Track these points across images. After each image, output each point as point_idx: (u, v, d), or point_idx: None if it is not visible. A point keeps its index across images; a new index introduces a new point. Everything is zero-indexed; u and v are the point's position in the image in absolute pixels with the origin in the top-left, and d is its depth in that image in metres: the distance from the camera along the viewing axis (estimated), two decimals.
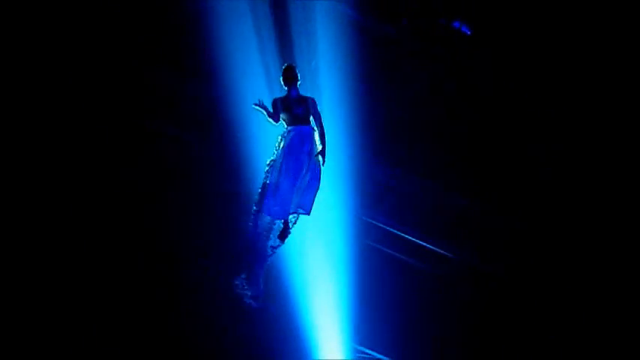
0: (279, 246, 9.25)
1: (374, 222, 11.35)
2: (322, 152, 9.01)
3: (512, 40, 11.22)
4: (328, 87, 10.93)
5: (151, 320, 10.68)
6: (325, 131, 9.02)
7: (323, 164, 9.02)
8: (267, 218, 9.10)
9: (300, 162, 9.02)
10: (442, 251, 11.25)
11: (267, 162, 9.09)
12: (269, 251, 9.25)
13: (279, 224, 9.18)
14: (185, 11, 10.88)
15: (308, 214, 9.11)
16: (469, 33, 11.29)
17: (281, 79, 9.11)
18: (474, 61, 11.26)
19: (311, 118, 9.04)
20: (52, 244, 10.58)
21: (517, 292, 11.13)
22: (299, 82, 9.08)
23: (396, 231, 11.34)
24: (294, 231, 9.28)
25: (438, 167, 11.28)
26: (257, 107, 8.90)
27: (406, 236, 11.29)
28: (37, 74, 10.69)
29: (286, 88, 9.08)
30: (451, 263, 11.26)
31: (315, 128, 9.09)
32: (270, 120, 9.02)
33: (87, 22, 10.79)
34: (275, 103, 9.05)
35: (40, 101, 10.71)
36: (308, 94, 9.16)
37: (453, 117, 11.26)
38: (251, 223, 9.13)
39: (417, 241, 11.30)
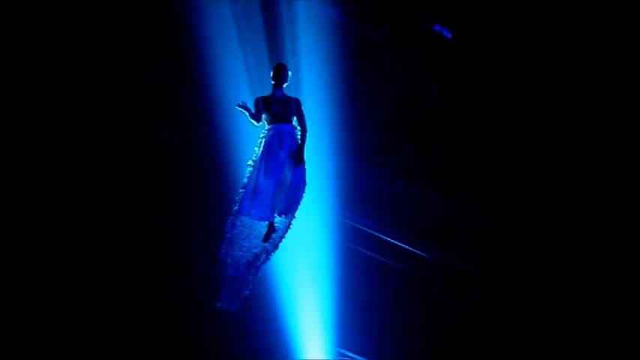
0: (272, 251, 9.11)
1: (356, 224, 11.37)
2: (299, 149, 8.93)
3: (493, 43, 11.30)
4: (311, 88, 10.93)
5: (135, 323, 10.63)
6: (308, 132, 8.95)
7: (299, 163, 8.92)
8: (247, 220, 8.97)
9: (279, 161, 8.93)
10: (422, 253, 11.28)
11: (248, 162, 8.99)
12: (262, 258, 9.11)
13: (259, 229, 9.04)
14: (169, 13, 10.89)
15: (293, 217, 9.02)
16: (450, 36, 11.36)
17: (271, 75, 9.04)
18: (455, 64, 11.34)
19: (294, 118, 8.97)
20: (47, 250, 10.56)
21: (499, 292, 11.17)
22: (286, 84, 9.03)
23: (376, 233, 11.36)
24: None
25: (420, 169, 11.33)
26: (240, 109, 8.86)
27: (386, 238, 11.32)
28: (28, 77, 10.69)
29: (273, 83, 9.00)
30: (431, 264, 11.29)
31: (297, 127, 9.02)
32: (253, 121, 8.96)
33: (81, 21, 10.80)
34: (257, 102, 9.01)
35: (34, 103, 10.69)
36: (291, 94, 9.09)
37: (435, 119, 11.34)
38: (229, 224, 9.00)
39: (397, 242, 11.33)
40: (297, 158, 8.92)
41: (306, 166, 8.99)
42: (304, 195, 9.05)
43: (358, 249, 11.30)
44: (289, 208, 9.01)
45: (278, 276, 10.82)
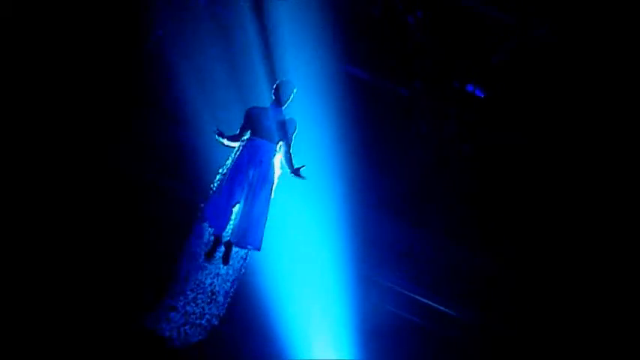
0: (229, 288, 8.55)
1: (389, 284, 11.14)
2: (296, 171, 8.41)
3: (525, 103, 11.29)
4: (344, 146, 11.02)
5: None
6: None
7: (273, 183, 8.38)
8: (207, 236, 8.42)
9: (244, 175, 8.36)
10: (455, 313, 10.94)
11: (219, 171, 8.54)
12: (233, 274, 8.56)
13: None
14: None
15: (258, 249, 8.43)
16: (482, 96, 11.40)
17: (273, 89, 8.65)
18: (487, 123, 11.33)
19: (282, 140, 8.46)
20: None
21: (533, 354, 10.66)
22: (286, 102, 8.57)
23: (409, 292, 11.11)
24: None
25: (453, 227, 11.15)
26: (218, 138, 8.49)
27: (419, 297, 11.04)
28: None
29: (273, 99, 8.58)
30: (465, 325, 10.91)
31: (278, 150, 8.50)
32: (230, 143, 8.54)
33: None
34: (248, 112, 8.59)
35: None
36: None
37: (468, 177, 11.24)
38: (193, 232, 8.49)
39: (430, 302, 11.03)
40: (270, 180, 8.34)
41: (273, 197, 8.40)
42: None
43: (391, 309, 11.02)
44: (248, 238, 8.34)
45: (308, 335, 10.60)
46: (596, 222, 10.84)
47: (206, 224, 8.48)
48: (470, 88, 11.37)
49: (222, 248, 8.54)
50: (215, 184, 8.48)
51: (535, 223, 11.01)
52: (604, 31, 10.74)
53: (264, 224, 8.43)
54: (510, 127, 11.24)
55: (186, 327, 8.63)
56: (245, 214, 8.36)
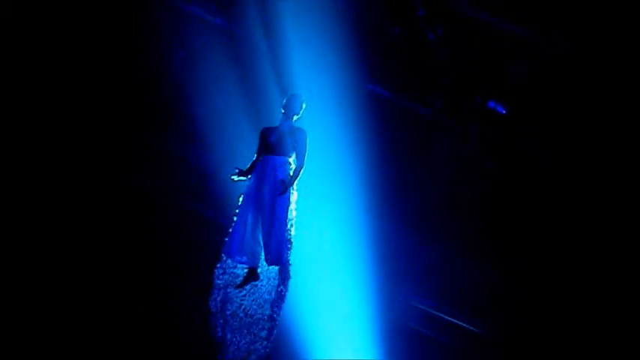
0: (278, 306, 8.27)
1: (417, 304, 11.11)
2: (289, 182, 8.12)
3: (548, 119, 11.21)
4: (365, 165, 11.01)
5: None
6: (305, 169, 8.18)
7: (285, 193, 8.09)
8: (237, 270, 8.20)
9: (260, 195, 8.13)
10: (477, 330, 10.88)
11: (239, 197, 8.32)
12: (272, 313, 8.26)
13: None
14: None
15: (282, 265, 8.16)
16: (504, 112, 11.35)
17: (283, 104, 8.55)
18: (510, 139, 11.27)
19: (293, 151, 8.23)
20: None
21: None
22: (296, 116, 8.41)
23: (437, 312, 11.07)
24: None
25: (476, 244, 11.09)
26: (240, 178, 8.34)
27: (447, 317, 11.00)
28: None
29: (282, 112, 8.46)
30: (490, 343, 10.85)
31: (292, 162, 8.30)
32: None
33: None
34: (261, 132, 8.47)
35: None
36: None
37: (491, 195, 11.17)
38: (219, 271, 8.27)
39: (458, 322, 10.99)
40: (281, 192, 8.02)
41: (294, 211, 8.20)
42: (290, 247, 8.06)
43: (413, 326, 11.01)
44: (274, 255, 8.05)
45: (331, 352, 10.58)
46: (629, 238, 10.72)
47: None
48: (492, 104, 11.32)
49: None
50: (236, 213, 8.25)
51: (562, 241, 10.90)
52: (625, 45, 10.66)
53: (286, 239, 8.20)
54: (534, 144, 11.16)
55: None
56: (266, 234, 8.13)
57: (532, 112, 11.21)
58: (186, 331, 9.72)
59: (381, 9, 10.97)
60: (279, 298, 8.45)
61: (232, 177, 8.30)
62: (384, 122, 11.18)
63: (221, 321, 8.38)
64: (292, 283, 8.62)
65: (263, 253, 8.19)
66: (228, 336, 8.36)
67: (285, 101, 8.52)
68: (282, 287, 8.46)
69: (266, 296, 8.46)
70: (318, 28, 10.76)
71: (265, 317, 8.44)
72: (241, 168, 8.34)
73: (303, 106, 8.47)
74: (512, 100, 11.22)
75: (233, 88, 10.58)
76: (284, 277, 8.45)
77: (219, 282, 8.42)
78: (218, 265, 8.43)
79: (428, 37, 11.16)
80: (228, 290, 8.37)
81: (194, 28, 10.70)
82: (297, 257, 8.82)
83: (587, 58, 10.76)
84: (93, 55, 10.72)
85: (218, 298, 8.38)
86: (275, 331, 8.53)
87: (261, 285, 8.51)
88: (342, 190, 10.86)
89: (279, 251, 8.10)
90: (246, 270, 8.32)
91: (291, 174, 8.23)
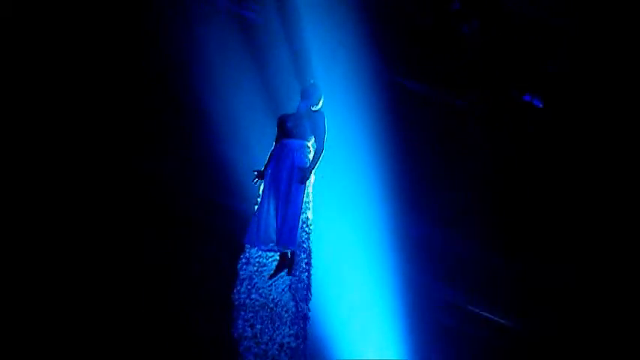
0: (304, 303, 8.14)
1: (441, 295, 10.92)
2: (309, 168, 7.98)
3: (586, 113, 10.91)
4: (395, 161, 10.86)
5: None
6: (326, 154, 8.02)
7: (305, 180, 7.95)
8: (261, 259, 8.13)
9: (277, 180, 7.99)
10: (504, 320, 10.61)
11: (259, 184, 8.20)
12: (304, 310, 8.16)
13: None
14: None
15: (294, 250, 7.99)
16: (541, 106, 11.08)
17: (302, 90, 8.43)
18: (546, 134, 10.99)
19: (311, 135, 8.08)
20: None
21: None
22: (314, 105, 8.25)
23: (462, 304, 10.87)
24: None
25: (506, 240, 10.83)
26: (258, 180, 8.26)
27: (472, 308, 10.78)
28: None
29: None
30: (513, 332, 10.58)
31: (310, 145, 8.16)
32: None
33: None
34: (278, 118, 8.38)
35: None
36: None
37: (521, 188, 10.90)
38: (243, 261, 8.17)
39: (477, 310, 10.74)
40: (300, 177, 7.92)
41: (311, 194, 8.05)
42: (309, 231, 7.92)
43: (443, 320, 10.80)
44: (285, 239, 7.88)
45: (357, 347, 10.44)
46: None
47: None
48: (527, 97, 11.06)
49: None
50: (257, 200, 8.16)
51: (595, 237, 10.57)
52: None
53: (299, 225, 7.99)
54: (571, 138, 10.87)
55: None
56: (280, 217, 7.97)
57: (570, 105, 10.92)
58: (206, 324, 9.58)
59: None
60: (304, 287, 8.31)
61: (253, 181, 8.23)
62: (416, 116, 11.03)
63: (250, 314, 8.23)
64: (319, 279, 8.53)
65: (276, 240, 8.10)
66: (258, 327, 8.22)
67: (303, 88, 8.42)
68: (305, 275, 8.33)
69: (293, 286, 8.34)
70: (348, 20, 10.68)
71: (294, 310, 8.30)
72: (259, 169, 8.25)
73: (322, 99, 8.34)
74: (550, 93, 10.95)
75: (253, 77, 10.53)
76: (304, 265, 8.31)
77: (242, 273, 8.32)
78: (241, 256, 8.35)
79: (463, 30, 10.98)
80: (255, 281, 8.24)
81: (216, 18, 10.71)
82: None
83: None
84: (115, 43, 10.79)
85: (242, 290, 8.26)
86: (308, 328, 8.41)
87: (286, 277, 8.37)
88: (372, 184, 10.74)
89: (291, 236, 7.95)
90: (272, 258, 8.26)
91: (311, 157, 8.11)
